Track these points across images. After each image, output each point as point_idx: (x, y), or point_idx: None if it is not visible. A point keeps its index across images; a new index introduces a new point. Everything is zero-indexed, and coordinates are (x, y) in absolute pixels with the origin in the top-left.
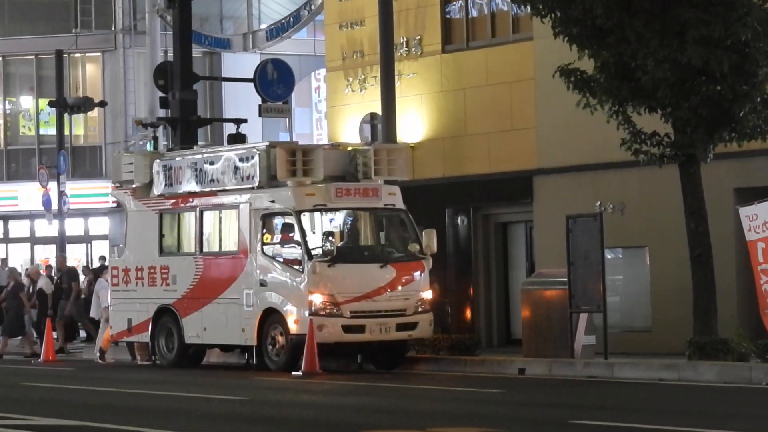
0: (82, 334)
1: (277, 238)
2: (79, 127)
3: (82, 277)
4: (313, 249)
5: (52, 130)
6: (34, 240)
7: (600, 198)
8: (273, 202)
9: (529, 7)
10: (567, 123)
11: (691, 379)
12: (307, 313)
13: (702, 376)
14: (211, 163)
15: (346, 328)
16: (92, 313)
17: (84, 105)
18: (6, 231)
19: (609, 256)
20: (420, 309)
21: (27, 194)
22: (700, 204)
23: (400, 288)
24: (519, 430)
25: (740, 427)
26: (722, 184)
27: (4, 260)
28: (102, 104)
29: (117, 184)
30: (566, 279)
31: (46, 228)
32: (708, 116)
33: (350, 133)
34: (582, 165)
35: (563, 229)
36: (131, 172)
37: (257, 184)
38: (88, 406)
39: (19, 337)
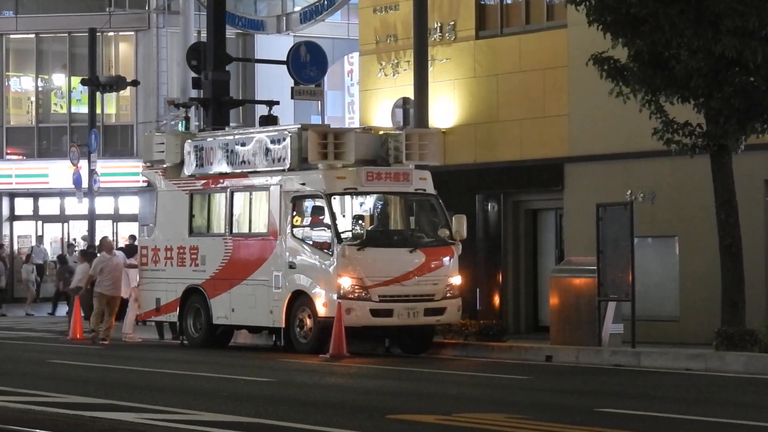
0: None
1: (307, 220)
2: (110, 105)
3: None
4: (342, 232)
5: (83, 109)
6: (63, 218)
7: (631, 187)
8: (303, 184)
9: None
10: (599, 111)
11: (717, 370)
12: (335, 296)
13: (729, 367)
14: (243, 145)
15: (374, 312)
16: (121, 293)
17: (116, 84)
18: (36, 208)
19: (638, 245)
20: (448, 294)
21: (58, 172)
22: (731, 195)
23: (428, 273)
24: (545, 416)
25: (766, 418)
26: (753, 175)
27: (40, 237)
28: (134, 83)
29: (148, 164)
30: (595, 267)
31: (76, 206)
32: (740, 107)
33: (382, 117)
34: (613, 153)
35: (593, 217)
36: (162, 152)
37: (288, 166)
38: (113, 385)
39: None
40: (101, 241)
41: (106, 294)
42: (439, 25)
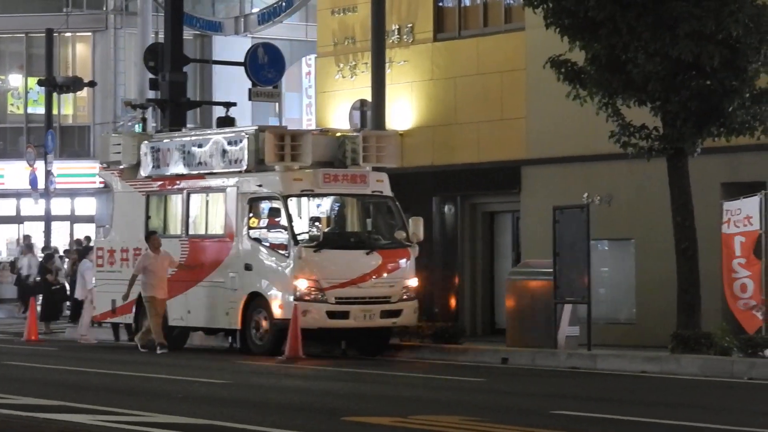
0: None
1: (264, 222)
2: (68, 106)
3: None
4: (299, 234)
5: (40, 109)
6: (19, 219)
7: (587, 189)
8: (260, 186)
9: None
10: (557, 114)
11: (673, 372)
12: (291, 298)
13: (685, 369)
14: (200, 146)
15: (331, 314)
16: (77, 294)
17: (73, 84)
18: None
19: (595, 248)
20: (405, 296)
21: (14, 173)
22: (687, 198)
23: (385, 275)
24: (500, 418)
25: (722, 420)
26: (710, 178)
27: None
28: (91, 84)
29: (105, 165)
30: (551, 270)
31: (32, 207)
32: (697, 110)
33: (340, 119)
34: (570, 156)
35: (550, 220)
36: (119, 153)
37: (245, 167)
38: (68, 386)
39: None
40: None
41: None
42: (397, 27)
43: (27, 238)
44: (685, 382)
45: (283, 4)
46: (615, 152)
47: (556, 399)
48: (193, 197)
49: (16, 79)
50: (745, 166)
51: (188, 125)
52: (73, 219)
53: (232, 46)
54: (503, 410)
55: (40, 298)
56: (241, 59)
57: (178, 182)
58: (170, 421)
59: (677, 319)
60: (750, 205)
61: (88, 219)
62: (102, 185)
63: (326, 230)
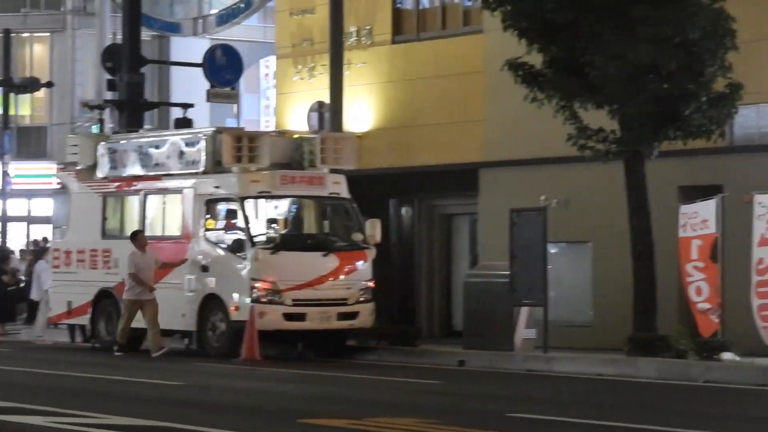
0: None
1: (221, 224)
2: (25, 107)
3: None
4: (256, 236)
5: None
6: None
7: (545, 192)
8: (217, 187)
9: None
10: (515, 117)
11: (630, 375)
12: (248, 299)
13: (641, 372)
14: (157, 147)
15: (287, 316)
16: (32, 295)
17: (31, 85)
18: None
19: (552, 251)
20: (362, 299)
21: None
22: (644, 201)
23: (342, 277)
24: (456, 421)
25: (678, 423)
26: (667, 181)
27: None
28: (49, 85)
29: (62, 166)
30: (508, 272)
31: None
32: (654, 114)
33: (298, 121)
34: (528, 159)
35: (507, 222)
36: (76, 153)
37: (202, 169)
38: (23, 388)
39: None
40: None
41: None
42: (356, 29)
43: None
44: (641, 385)
45: (242, 5)
46: (572, 155)
47: (512, 402)
48: (150, 198)
49: None
50: (702, 170)
51: (146, 126)
52: (30, 220)
53: (190, 48)
54: (459, 413)
55: None
56: (200, 60)
57: (135, 183)
58: (125, 423)
59: (633, 321)
60: (707, 208)
61: (45, 220)
62: (59, 186)
63: (283, 232)
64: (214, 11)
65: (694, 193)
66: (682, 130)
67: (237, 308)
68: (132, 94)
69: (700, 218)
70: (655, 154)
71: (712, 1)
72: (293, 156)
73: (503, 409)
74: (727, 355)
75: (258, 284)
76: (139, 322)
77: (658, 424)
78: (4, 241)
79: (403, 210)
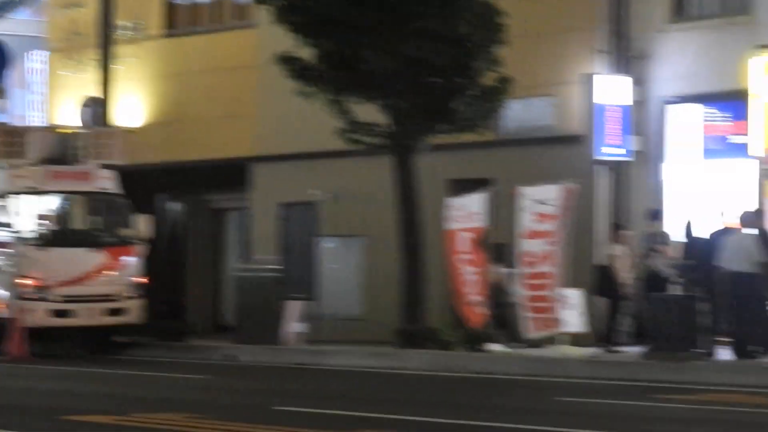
0: None
1: None
2: None
3: None
4: (22, 232)
5: None
6: None
7: (316, 186)
8: None
9: None
10: (287, 111)
11: (398, 367)
12: (14, 296)
13: (409, 364)
14: None
15: (55, 313)
16: None
17: None
18: None
19: (324, 245)
20: (131, 294)
21: None
22: (414, 194)
23: (111, 273)
24: (223, 415)
25: (444, 414)
26: (436, 175)
27: None
28: None
29: None
30: (279, 266)
31: None
32: (425, 108)
33: (69, 116)
34: (300, 153)
35: (278, 217)
36: None
37: None
38: None
39: None
40: None
41: None
42: (127, 23)
43: None
44: (409, 377)
45: None
46: (344, 149)
47: (280, 395)
48: None
49: None
50: (472, 163)
51: None
52: None
53: None
54: (226, 407)
55: None
56: None
57: None
58: None
59: (402, 314)
60: (475, 201)
61: None
62: None
63: (51, 228)
64: None
65: (464, 187)
66: (452, 124)
67: (4, 305)
68: None
69: (468, 211)
70: (426, 148)
71: None
72: (62, 151)
73: (270, 403)
74: (494, 346)
75: (24, 281)
76: None
77: (423, 415)
78: None
79: (174, 205)
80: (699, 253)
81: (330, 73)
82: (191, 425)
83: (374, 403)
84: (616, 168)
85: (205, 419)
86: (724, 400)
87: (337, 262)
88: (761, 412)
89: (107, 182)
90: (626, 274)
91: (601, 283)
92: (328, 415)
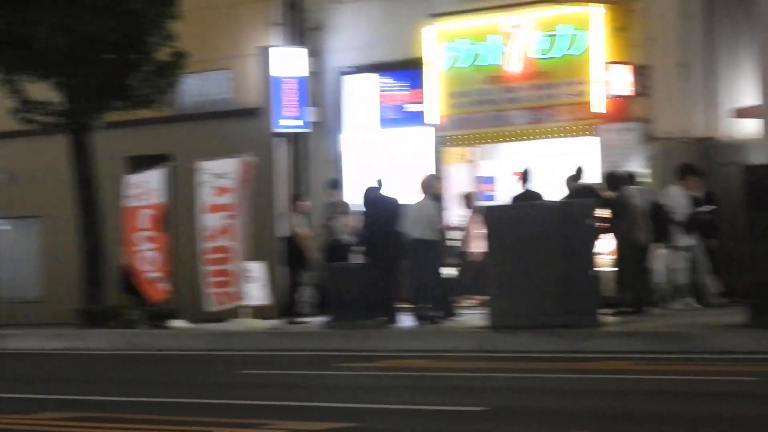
0: None
1: None
2: None
3: None
4: None
5: None
6: None
7: None
8: None
9: None
10: None
11: (81, 348)
12: None
13: (91, 344)
14: None
15: None
16: None
17: None
18: None
19: (1, 228)
20: None
21: None
22: (91, 173)
23: None
24: None
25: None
26: (114, 152)
27: None
28: None
29: None
30: None
31: None
32: (100, 85)
33: None
34: None
35: None
36: None
37: None
38: None
39: None
40: None
41: None
42: None
43: None
44: (91, 357)
45: None
46: (18, 129)
47: None
48: None
49: None
50: (151, 139)
51: None
52: None
53: None
54: None
55: None
56: None
57: None
58: None
59: (82, 294)
60: (153, 177)
61: None
62: None
63: None
64: None
65: (143, 164)
66: (127, 101)
67: None
68: None
69: (147, 188)
70: (102, 126)
71: None
72: None
73: None
74: (176, 323)
75: None
76: None
77: (99, 394)
78: None
79: None
80: (376, 220)
81: (0, 52)
82: None
83: (54, 384)
84: (295, 139)
85: None
86: (404, 366)
87: (13, 245)
88: (441, 375)
89: None
90: (308, 244)
91: (290, 255)
92: (5, 399)
